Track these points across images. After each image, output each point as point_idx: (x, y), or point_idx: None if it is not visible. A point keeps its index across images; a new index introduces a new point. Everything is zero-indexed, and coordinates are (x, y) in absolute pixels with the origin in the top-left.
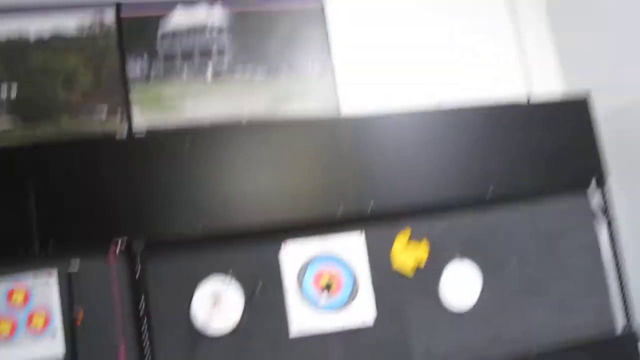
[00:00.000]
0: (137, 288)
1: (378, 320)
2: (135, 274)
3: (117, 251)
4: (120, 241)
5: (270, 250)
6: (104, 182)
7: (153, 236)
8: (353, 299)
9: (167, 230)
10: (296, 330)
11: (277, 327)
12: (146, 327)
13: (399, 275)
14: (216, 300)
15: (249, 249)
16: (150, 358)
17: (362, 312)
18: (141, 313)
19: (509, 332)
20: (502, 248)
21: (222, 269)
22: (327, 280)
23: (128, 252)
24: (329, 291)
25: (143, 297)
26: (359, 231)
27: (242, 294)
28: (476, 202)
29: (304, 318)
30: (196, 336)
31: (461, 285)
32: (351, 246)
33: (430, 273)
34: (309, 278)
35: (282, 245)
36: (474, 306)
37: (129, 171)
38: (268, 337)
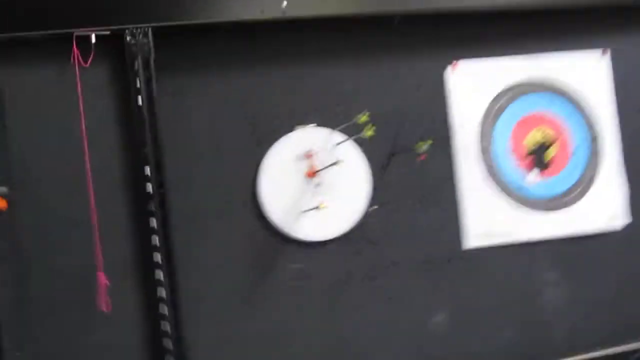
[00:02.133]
0: (136, 125)
1: (634, 223)
2: (136, 91)
3: (93, 47)
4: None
5: (429, 73)
6: None
7: (174, 21)
8: (589, 180)
9: (210, 10)
10: (476, 235)
11: (433, 228)
12: (158, 211)
13: None
14: (312, 168)
15: (380, 67)
16: (167, 278)
17: (605, 205)
18: (151, 188)
19: None
20: None
21: (323, 109)
22: (542, 139)
23: (118, 49)
24: (543, 163)
25: (149, 149)
26: (600, 48)
27: (368, 164)
28: None
29: (493, 211)
30: (270, 238)
31: None
32: (586, 76)
33: None
34: (503, 133)
35: (450, 66)
36: None
37: None
38: (415, 247)
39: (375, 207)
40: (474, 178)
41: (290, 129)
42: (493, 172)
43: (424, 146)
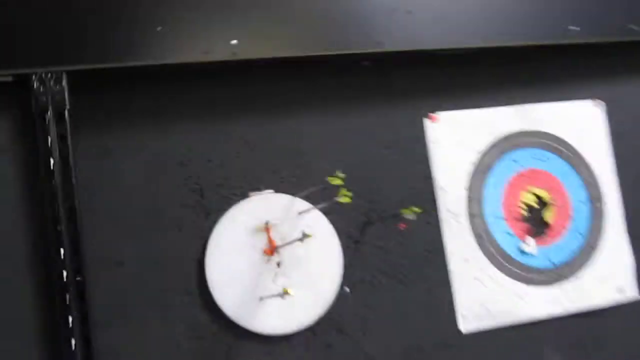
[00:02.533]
0: (46, 195)
1: None
2: (47, 152)
3: None
4: None
5: (405, 125)
6: None
7: (94, 64)
8: (591, 247)
9: (143, 51)
10: (469, 316)
11: (419, 311)
12: (76, 306)
13: None
14: (271, 243)
15: (348, 120)
16: None
17: (611, 275)
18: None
19: None
20: None
21: (283, 170)
22: (536, 201)
23: (24, 99)
24: (540, 229)
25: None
26: (591, 99)
27: (338, 237)
28: None
29: (487, 288)
30: (221, 332)
31: None
32: (580, 128)
33: None
34: (493, 195)
35: (429, 119)
36: None
37: None
38: (398, 335)
39: (347, 289)
40: (463, 250)
41: (243, 196)
42: (485, 242)
43: (410, 214)
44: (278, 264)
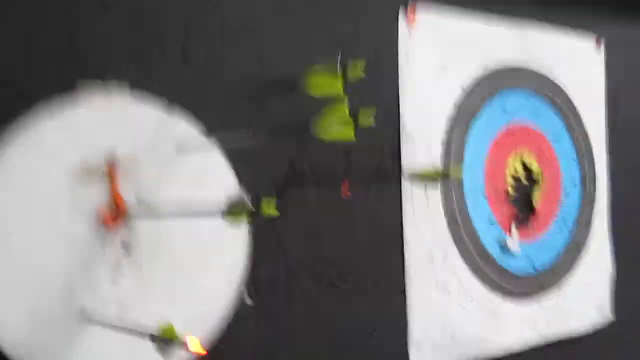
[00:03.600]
0: None
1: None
2: None
3: None
4: None
5: (372, 20)
6: None
7: None
8: (578, 243)
9: None
10: (425, 345)
11: (359, 332)
12: None
13: None
14: (121, 203)
15: None
16: None
17: (594, 288)
18: None
19: None
20: None
21: (161, 58)
22: (523, 174)
23: None
24: (526, 215)
25: None
26: (592, 33)
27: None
28: None
29: (455, 303)
30: None
31: None
32: (579, 75)
33: None
34: (477, 157)
35: (404, 13)
36: None
37: None
38: None
39: (249, 300)
40: (429, 241)
41: (63, 92)
42: (461, 231)
43: (435, 176)
44: (124, 247)
